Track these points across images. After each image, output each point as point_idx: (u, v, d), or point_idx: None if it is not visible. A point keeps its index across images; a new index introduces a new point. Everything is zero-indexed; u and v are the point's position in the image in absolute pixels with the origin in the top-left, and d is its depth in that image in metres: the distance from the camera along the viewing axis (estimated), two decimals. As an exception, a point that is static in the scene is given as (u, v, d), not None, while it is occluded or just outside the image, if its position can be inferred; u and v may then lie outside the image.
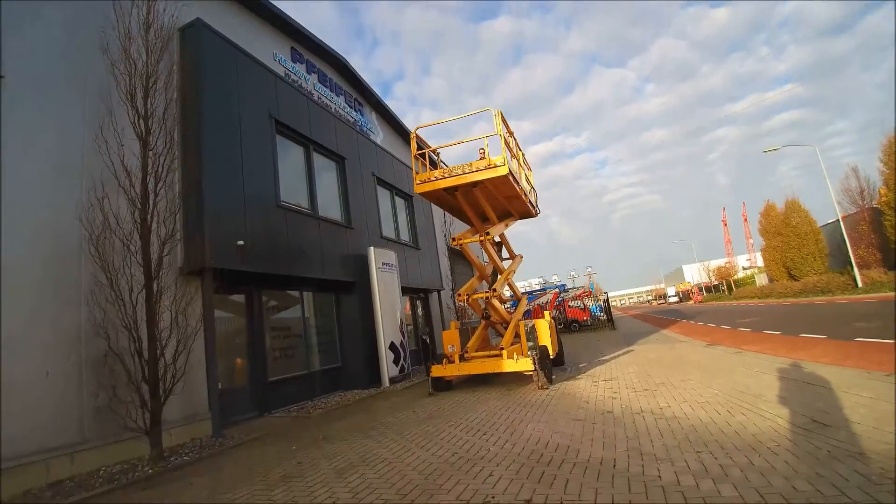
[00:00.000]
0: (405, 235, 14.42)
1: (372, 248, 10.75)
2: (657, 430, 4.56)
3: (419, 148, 9.53)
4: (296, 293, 9.63)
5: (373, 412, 7.49)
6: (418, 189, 9.11)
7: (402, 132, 16.11)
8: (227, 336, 7.90)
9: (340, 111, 12.48)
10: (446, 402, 7.62)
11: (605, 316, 24.21)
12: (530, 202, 11.07)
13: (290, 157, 9.69)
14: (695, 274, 72.41)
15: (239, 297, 8.20)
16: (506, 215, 10.86)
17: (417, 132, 9.61)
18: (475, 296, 8.67)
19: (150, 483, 4.83)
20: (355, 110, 13.34)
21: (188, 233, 7.08)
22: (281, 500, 3.88)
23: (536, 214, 12.09)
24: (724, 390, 5.98)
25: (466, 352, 8.81)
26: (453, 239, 9.05)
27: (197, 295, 6.93)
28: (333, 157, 11.08)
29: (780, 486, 2.91)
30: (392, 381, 10.31)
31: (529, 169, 12.07)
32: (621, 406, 5.78)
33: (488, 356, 8.58)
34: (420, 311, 15.55)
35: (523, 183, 10.29)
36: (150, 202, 6.14)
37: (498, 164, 8.49)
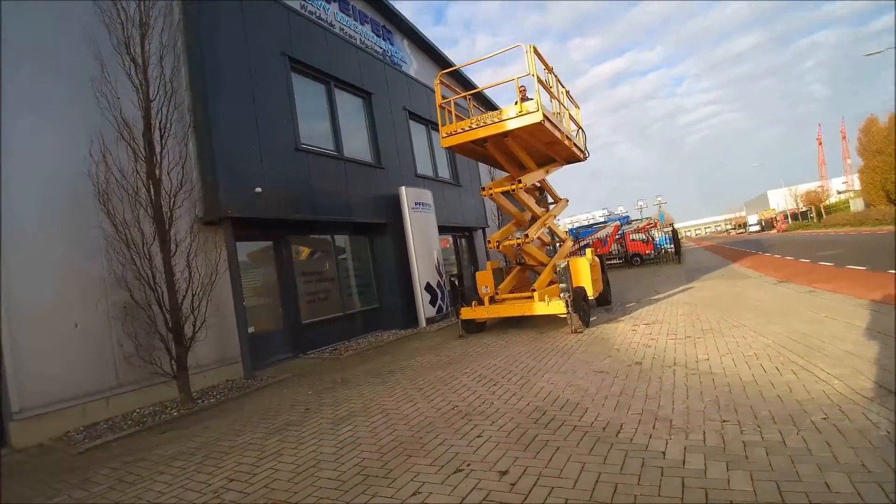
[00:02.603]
0: (444, 172, 13.78)
1: (403, 187, 10.34)
2: (684, 390, 3.97)
3: (450, 95, 8.68)
4: (326, 237, 9.59)
5: (398, 354, 7.46)
6: (444, 143, 8.43)
7: (439, 60, 14.92)
8: (257, 282, 8.09)
9: (367, 42, 11.63)
10: (473, 345, 7.39)
11: (672, 249, 22.48)
12: (576, 146, 9.93)
13: (310, 97, 9.24)
14: (781, 200, 64.64)
15: (267, 244, 8.27)
16: (548, 161, 9.86)
17: (442, 77, 8.72)
18: (506, 243, 8.09)
19: (171, 425, 5.13)
20: (384, 39, 12.39)
21: (205, 183, 7.06)
22: (270, 450, 3.88)
23: (585, 158, 10.92)
24: (780, 339, 5.13)
25: (497, 294, 8.41)
26: (483, 189, 8.37)
27: (218, 244, 7.00)
28: (359, 92, 10.47)
29: (809, 482, 2.29)
30: (429, 321, 10.27)
31: (577, 107, 10.77)
32: (653, 356, 5.17)
33: (520, 298, 8.14)
34: (464, 250, 15.22)
35: (565, 125, 9.16)
36: (158, 154, 6.07)
37: (530, 109, 7.52)
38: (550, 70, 8.89)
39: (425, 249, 10.65)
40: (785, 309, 6.84)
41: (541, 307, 7.51)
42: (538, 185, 9.92)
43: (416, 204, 10.53)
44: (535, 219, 9.11)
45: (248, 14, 7.93)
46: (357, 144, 10.28)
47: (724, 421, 3.20)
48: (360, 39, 11.37)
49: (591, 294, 8.31)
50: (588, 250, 9.07)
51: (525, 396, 4.38)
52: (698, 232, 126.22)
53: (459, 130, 8.23)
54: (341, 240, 10.04)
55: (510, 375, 5.20)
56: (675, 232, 23.06)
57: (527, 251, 8.39)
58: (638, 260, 22.83)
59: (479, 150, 8.75)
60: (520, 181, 7.98)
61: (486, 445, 3.34)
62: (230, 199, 7.02)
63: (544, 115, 7.60)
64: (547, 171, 9.52)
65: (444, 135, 8.40)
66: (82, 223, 5.67)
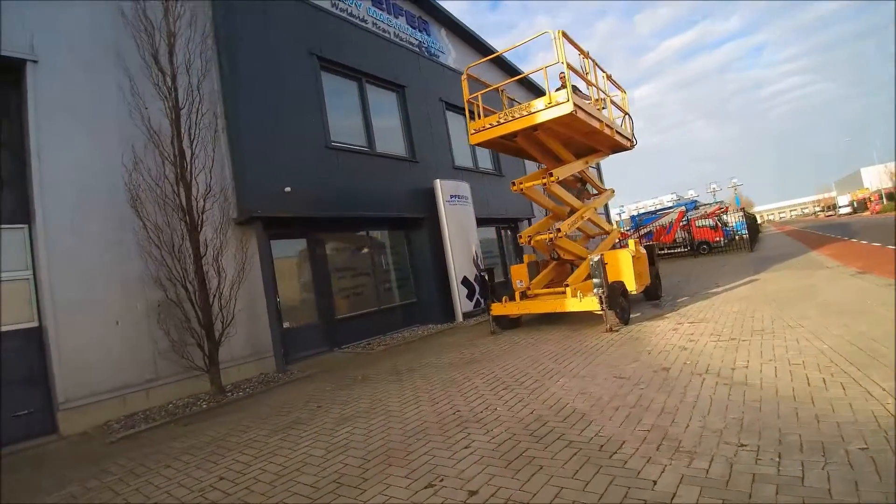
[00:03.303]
0: (485, 163, 13.45)
1: (438, 181, 10.19)
2: (707, 403, 3.50)
3: (478, 88, 8.39)
4: (360, 233, 9.70)
5: (425, 351, 7.38)
6: (473, 140, 8.19)
7: (479, 48, 14.49)
8: (292, 279, 8.35)
9: (401, 34, 11.52)
10: (500, 343, 7.13)
11: (745, 235, 20.50)
12: (620, 134, 9.24)
13: (341, 94, 9.33)
14: (877, 178, 56.31)
15: (300, 241, 8.50)
16: (589, 151, 9.26)
17: (470, 72, 8.42)
18: (538, 237, 7.69)
19: (198, 418, 5.42)
20: (419, 30, 12.22)
21: (238, 185, 7.35)
22: (268, 449, 3.95)
23: (632, 146, 10.15)
24: (838, 344, 4.40)
25: (529, 289, 8.05)
26: (513, 184, 8.01)
27: (250, 243, 7.29)
28: (391, 87, 10.43)
29: (817, 532, 1.88)
30: (466, 315, 10.11)
31: (623, 91, 10.02)
32: (686, 361, 4.65)
33: (553, 294, 7.73)
34: (508, 242, 14.82)
35: (607, 113, 8.52)
36: (188, 160, 6.39)
37: (560, 100, 7.07)
38: (586, 55, 8.32)
39: (462, 243, 10.46)
40: (855, 306, 5.91)
41: (573, 303, 7.08)
42: (578, 176, 9.37)
43: (451, 197, 10.35)
44: (574, 212, 8.61)
45: (276, 16, 8.12)
46: (391, 139, 10.26)
47: (742, 445, 2.77)
48: (395, 33, 11.29)
49: (632, 288, 7.73)
50: (631, 241, 8.40)
51: (531, 403, 4.11)
52: (782, 215, 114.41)
53: (488, 126, 7.94)
54: (376, 235, 10.13)
55: (525, 379, 4.93)
56: (747, 217, 20.93)
57: (561, 246, 7.94)
58: (706, 248, 21.05)
59: (511, 145, 8.39)
60: (551, 174, 7.53)
61: (469, 458, 3.15)
62: (259, 199, 7.26)
63: (576, 105, 7.10)
64: (587, 163, 8.93)
65: (473, 131, 8.15)
66: (120, 227, 6.09)
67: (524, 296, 7.96)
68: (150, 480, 3.63)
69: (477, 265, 10.66)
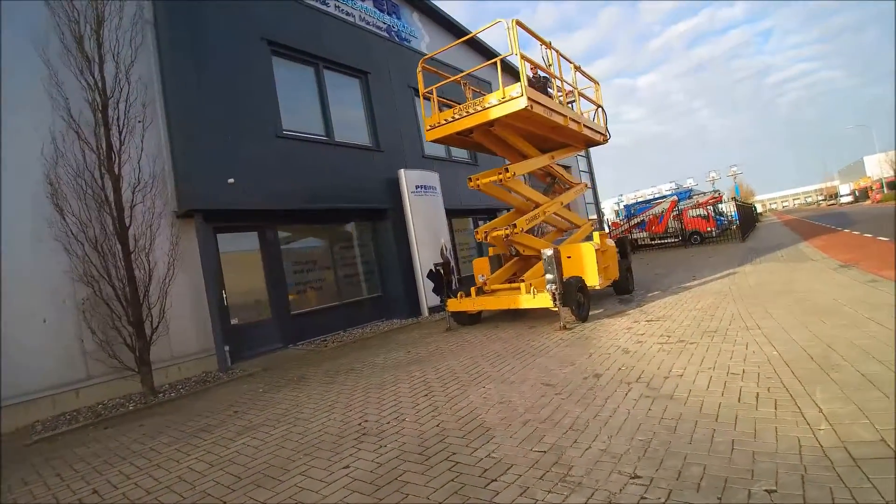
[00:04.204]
0: (459, 152, 12.97)
1: (402, 170, 9.79)
2: (622, 420, 3.14)
3: (433, 81, 7.98)
4: (320, 226, 9.32)
5: (376, 348, 7.05)
6: (429, 136, 7.82)
7: (456, 32, 13.92)
8: (242, 274, 8.00)
9: (367, 18, 11.01)
10: (452, 341, 6.79)
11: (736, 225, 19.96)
12: (590, 128, 8.76)
13: (295, 81, 8.90)
14: (880, 167, 54.90)
15: (251, 235, 8.14)
16: (561, 146, 8.80)
17: (426, 63, 8.00)
18: (494, 233, 7.27)
19: (118, 420, 5.17)
20: (388, 14, 11.70)
21: (177, 176, 7.00)
22: (157, 461, 3.67)
23: (604, 140, 9.69)
24: (790, 351, 4.00)
25: (486, 285, 7.67)
26: (469, 179, 7.59)
27: (190, 237, 6.95)
28: (353, 73, 9.97)
29: None
30: (432, 310, 9.77)
31: (596, 83, 9.51)
32: (621, 367, 4.28)
33: (509, 290, 7.36)
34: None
35: (576, 107, 8.03)
36: (115, 151, 6.03)
37: (513, 94, 6.63)
38: (549, 45, 7.86)
39: (430, 235, 10.08)
40: (828, 304, 5.49)
41: (527, 300, 6.71)
42: (546, 171, 8.95)
43: (417, 187, 9.95)
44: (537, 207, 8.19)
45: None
46: (353, 127, 9.84)
47: (634, 478, 2.40)
48: (360, 16, 10.79)
49: (595, 283, 7.34)
50: (596, 234, 7.98)
51: (443, 414, 3.76)
52: (786, 204, 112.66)
53: (443, 122, 7.52)
54: (338, 227, 9.75)
55: (452, 384, 4.58)
56: (739, 207, 20.33)
57: (519, 242, 7.52)
58: (697, 238, 20.55)
59: (470, 141, 7.94)
60: (507, 170, 7.10)
61: (339, 482, 2.82)
62: (199, 191, 6.91)
63: (532, 100, 6.66)
64: (553, 158, 8.46)
65: (429, 127, 7.75)
66: (44, 222, 5.75)
67: (481, 291, 7.58)
68: (33, 490, 3.45)
69: (446, 258, 10.28)
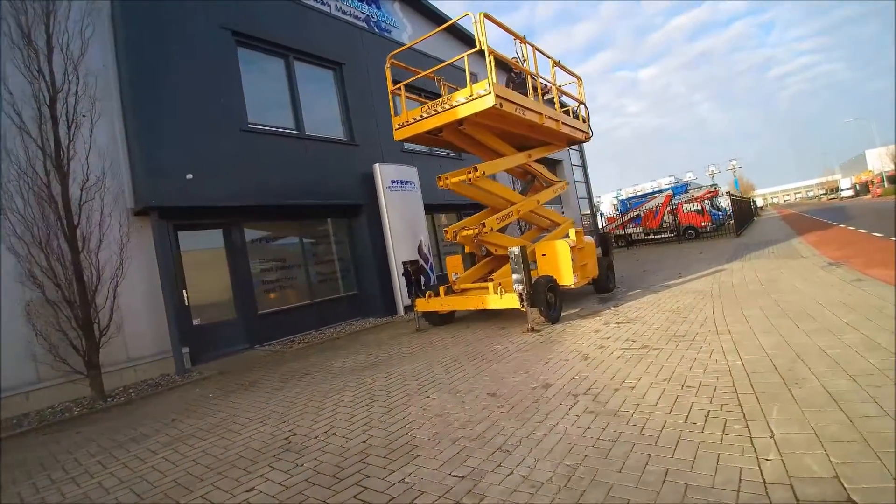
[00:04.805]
0: (443, 145, 12.65)
1: (377, 165, 9.47)
2: (555, 440, 2.86)
3: (403, 78, 7.66)
4: (291, 222, 9.03)
5: (340, 350, 6.80)
6: (398, 136, 7.46)
7: (441, 22, 13.56)
8: (206, 273, 7.75)
9: (343, 7, 10.64)
10: (417, 343, 6.52)
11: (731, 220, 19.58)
12: (568, 125, 8.41)
13: (263, 72, 8.59)
14: (881, 161, 54.00)
15: (215, 232, 7.86)
16: (541, 144, 8.46)
17: (394, 59, 7.66)
18: (464, 233, 6.95)
19: (61, 426, 4.95)
20: (367, 3, 11.33)
21: (133, 172, 6.72)
22: (77, 473, 3.42)
23: (587, 138, 9.34)
24: (755, 360, 3.71)
25: (455, 284, 7.39)
26: (439, 179, 7.26)
27: (146, 235, 6.69)
28: (327, 64, 9.64)
29: None
30: (409, 308, 9.46)
31: (579, 79, 9.21)
32: (575, 376, 4.00)
33: (478, 290, 7.07)
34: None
35: (546, 106, 7.67)
36: (64, 147, 5.78)
37: (481, 92, 6.28)
38: (523, 39, 7.54)
39: (407, 231, 9.78)
40: (807, 306, 5.18)
41: (494, 300, 6.42)
42: (525, 169, 8.63)
43: (393, 182, 9.64)
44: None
45: (182, -15, 7.34)
46: (327, 120, 9.53)
47: (544, 510, 2.12)
48: (336, 6, 10.45)
49: (569, 282, 7.03)
50: (572, 230, 7.66)
51: (375, 429, 3.49)
52: (787, 198, 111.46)
53: (411, 120, 7.19)
54: (311, 224, 9.46)
55: (397, 393, 4.31)
56: (734, 201, 19.89)
57: (490, 241, 7.21)
58: (692, 234, 20.17)
59: (442, 140, 7.61)
60: (476, 168, 6.77)
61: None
62: (155, 187, 6.64)
63: (501, 97, 6.33)
64: (530, 156, 8.12)
65: (396, 126, 7.42)
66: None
67: (451, 291, 7.30)
68: None
69: (423, 255, 10.00)
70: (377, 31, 11.40)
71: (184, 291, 7.22)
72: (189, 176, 6.91)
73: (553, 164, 20.09)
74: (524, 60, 7.79)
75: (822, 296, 5.59)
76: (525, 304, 6.02)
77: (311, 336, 8.36)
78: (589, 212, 23.31)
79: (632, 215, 22.93)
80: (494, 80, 6.30)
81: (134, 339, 6.59)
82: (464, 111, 6.52)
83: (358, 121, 9.88)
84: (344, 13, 10.53)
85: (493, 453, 2.79)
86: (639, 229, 22.66)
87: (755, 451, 2.40)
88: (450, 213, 12.94)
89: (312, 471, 2.92)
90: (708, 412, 2.91)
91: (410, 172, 10.15)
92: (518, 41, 7.66)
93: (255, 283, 8.19)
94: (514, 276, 6.04)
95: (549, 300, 6.37)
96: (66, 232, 5.71)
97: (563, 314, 6.94)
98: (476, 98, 6.38)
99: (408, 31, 12.45)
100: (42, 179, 5.67)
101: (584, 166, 23.17)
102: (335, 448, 3.24)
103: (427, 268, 10.09)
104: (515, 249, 6.03)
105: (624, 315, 6.26)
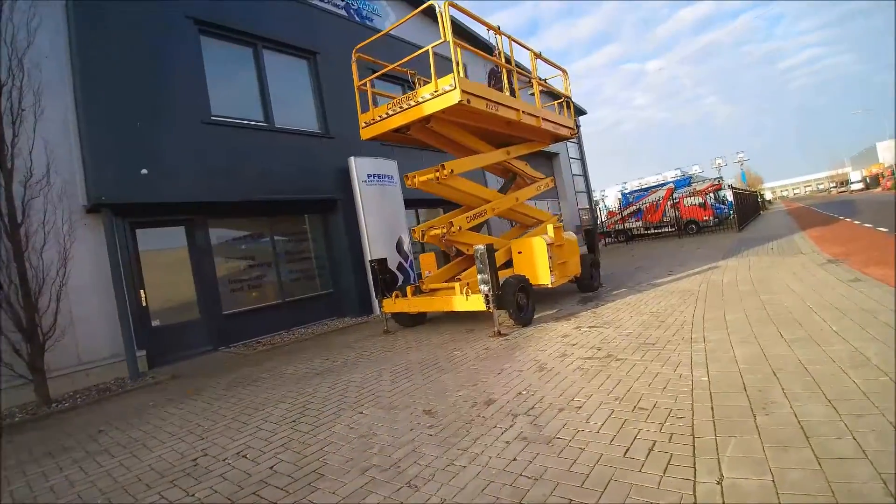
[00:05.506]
0: (429, 138, 12.20)
1: (352, 158, 9.06)
2: (471, 476, 2.47)
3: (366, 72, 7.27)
4: (260, 219, 8.66)
5: (302, 353, 6.45)
6: (364, 135, 7.03)
7: (428, 12, 13.05)
8: (166, 272, 7.42)
9: (321, -8, 10.22)
10: (380, 346, 6.16)
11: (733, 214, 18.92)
12: (549, 120, 7.92)
13: (229, 62, 8.20)
14: (892, 153, 52.29)
15: (178, 230, 7.53)
16: (523, 141, 8.00)
17: (361, 52, 7.22)
18: (432, 232, 6.51)
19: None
20: (348, -12, 10.89)
21: (85, 167, 6.39)
22: None
23: (572, 135, 8.85)
24: (723, 377, 3.27)
25: (423, 283, 6.98)
26: (406, 177, 6.83)
27: (97, 233, 6.38)
28: (299, 53, 9.23)
29: None
30: (386, 309, 9.10)
31: (564, 71, 8.77)
32: (522, 391, 3.59)
33: (446, 290, 6.66)
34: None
35: (524, 102, 7.19)
36: (7, 142, 5.48)
37: (447, 88, 5.83)
38: (497, 30, 7.07)
39: (384, 227, 9.38)
40: (796, 309, 4.71)
41: (460, 302, 6.01)
42: (502, 167, 8.18)
43: (369, 176, 9.23)
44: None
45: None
46: (300, 112, 9.14)
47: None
48: (312, -9, 9.99)
49: (545, 282, 6.63)
50: (550, 226, 7.21)
51: (290, 450, 3.13)
52: (796, 191, 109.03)
53: (377, 118, 6.77)
54: (281, 220, 9.08)
55: (332, 406, 3.94)
56: (737, 195, 19.19)
57: (459, 241, 6.77)
58: (693, 228, 19.54)
59: (412, 138, 7.16)
60: (443, 166, 6.33)
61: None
62: (107, 183, 6.32)
63: (468, 92, 5.88)
64: (508, 154, 7.65)
65: (363, 124, 6.99)
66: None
67: (419, 291, 6.90)
68: None
69: (402, 252, 9.61)
70: (357, 19, 10.95)
71: (141, 291, 6.90)
72: (144, 171, 6.58)
73: (549, 157, 19.55)
74: (499, 52, 7.34)
75: (814, 297, 5.12)
76: (491, 305, 5.61)
77: (280, 337, 8.02)
78: (588, 206, 22.74)
79: (632, 209, 22.34)
80: (462, 75, 5.85)
81: (87, 341, 6.30)
82: (429, 108, 6.08)
83: (334, 112, 9.47)
84: (321, 0, 10.09)
85: (399, 489, 2.40)
86: (640, 224, 22.09)
87: (695, 500, 1.98)
88: (435, 209, 12.51)
89: (200, 502, 2.56)
90: (653, 444, 2.49)
91: (389, 166, 9.73)
92: (491, 31, 7.21)
93: (221, 282, 7.85)
94: (480, 277, 5.63)
95: (519, 301, 5.95)
96: (7, 230, 5.40)
97: (538, 315, 6.54)
98: (441, 94, 5.93)
99: (391, 19, 11.98)
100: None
101: (582, 159, 22.56)
102: (237, 474, 2.88)
103: (407, 266, 9.71)
104: (481, 247, 5.61)
105: (599, 318, 5.82)
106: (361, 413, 3.65)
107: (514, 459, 2.54)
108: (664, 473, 2.21)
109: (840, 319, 4.16)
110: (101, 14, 6.54)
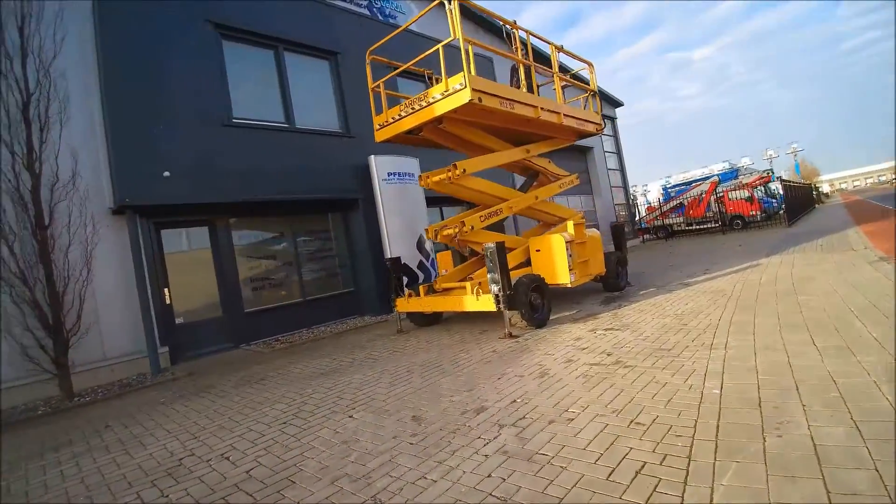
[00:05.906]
0: (452, 134, 12.03)
1: (372, 157, 9.02)
2: (439, 492, 2.31)
3: (383, 73, 7.21)
4: (280, 218, 8.78)
5: (314, 352, 6.46)
6: (378, 137, 6.97)
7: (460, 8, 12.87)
8: (189, 271, 7.64)
9: (341, -8, 10.25)
10: (390, 347, 6.07)
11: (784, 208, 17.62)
12: (574, 118, 7.58)
13: (251, 65, 8.33)
14: None
15: (201, 231, 7.74)
16: (544, 138, 7.71)
17: (379, 50, 7.18)
18: (445, 232, 6.35)
19: (16, 427, 4.88)
20: (370, -13, 10.88)
21: (111, 171, 6.66)
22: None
23: (598, 130, 8.44)
24: (743, 389, 2.94)
25: (436, 283, 6.84)
26: (419, 178, 6.70)
27: (123, 234, 6.64)
28: (321, 54, 9.28)
29: None
30: (406, 308, 9.04)
31: (590, 64, 8.47)
32: (517, 399, 3.39)
33: (459, 290, 6.49)
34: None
35: (544, 98, 6.89)
36: (36, 148, 5.80)
37: (457, 87, 5.65)
38: (513, 25, 6.83)
39: (405, 226, 9.30)
40: (836, 312, 4.24)
41: (470, 302, 5.82)
42: (521, 165, 7.90)
43: (389, 174, 9.17)
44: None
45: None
46: (321, 112, 9.20)
47: None
48: (332, -9, 10.03)
49: (564, 281, 6.36)
50: (570, 223, 6.87)
51: (272, 454, 3.08)
52: (857, 183, 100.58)
53: (390, 120, 6.68)
54: (302, 219, 9.17)
55: (325, 408, 3.88)
56: (787, 188, 17.80)
57: (471, 240, 6.56)
58: (739, 223, 18.36)
59: (425, 140, 7.01)
60: (456, 166, 6.15)
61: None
62: (131, 186, 6.56)
63: (479, 91, 5.67)
64: (528, 151, 7.37)
65: (377, 126, 6.92)
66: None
67: (433, 290, 6.77)
68: None
69: (423, 250, 9.50)
70: (381, 17, 10.94)
71: (165, 290, 7.14)
72: (166, 174, 6.79)
73: (582, 152, 18.93)
74: (516, 49, 7.09)
75: (857, 299, 4.59)
76: (502, 306, 5.39)
77: (298, 335, 8.11)
78: (624, 201, 21.88)
79: (672, 204, 21.31)
80: (472, 73, 5.64)
81: (112, 338, 6.57)
82: (440, 108, 5.91)
83: (355, 111, 9.46)
84: (343, 0, 10.12)
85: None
86: (681, 219, 21.02)
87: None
88: (452, 207, 12.31)
89: (168, 507, 2.54)
90: (642, 466, 2.24)
91: (411, 164, 9.64)
92: (507, 25, 6.97)
93: (243, 281, 8.02)
94: (490, 276, 5.43)
95: (532, 302, 5.71)
96: (35, 232, 5.70)
97: (555, 316, 6.28)
98: (452, 93, 5.75)
99: (415, 15, 11.86)
100: (11, 182, 5.67)
101: (619, 153, 21.71)
102: (214, 477, 2.85)
103: (428, 264, 9.60)
104: (490, 245, 5.41)
105: (619, 320, 5.49)
106: (351, 417, 3.56)
107: (489, 476, 2.35)
108: (646, 502, 1.96)
109: (880, 325, 3.69)
110: (126, 22, 6.79)
